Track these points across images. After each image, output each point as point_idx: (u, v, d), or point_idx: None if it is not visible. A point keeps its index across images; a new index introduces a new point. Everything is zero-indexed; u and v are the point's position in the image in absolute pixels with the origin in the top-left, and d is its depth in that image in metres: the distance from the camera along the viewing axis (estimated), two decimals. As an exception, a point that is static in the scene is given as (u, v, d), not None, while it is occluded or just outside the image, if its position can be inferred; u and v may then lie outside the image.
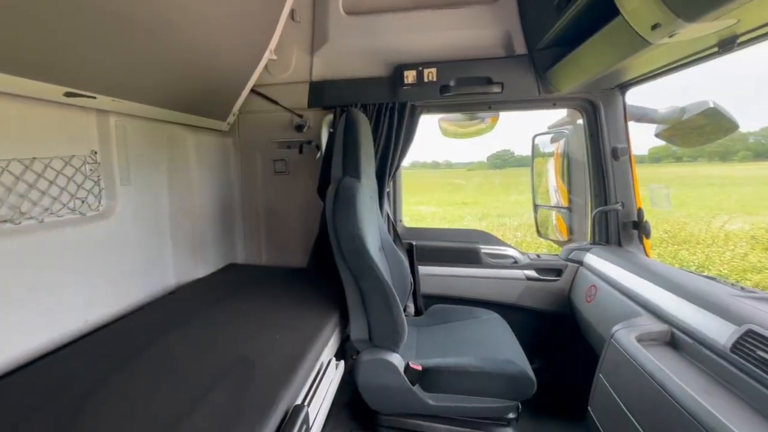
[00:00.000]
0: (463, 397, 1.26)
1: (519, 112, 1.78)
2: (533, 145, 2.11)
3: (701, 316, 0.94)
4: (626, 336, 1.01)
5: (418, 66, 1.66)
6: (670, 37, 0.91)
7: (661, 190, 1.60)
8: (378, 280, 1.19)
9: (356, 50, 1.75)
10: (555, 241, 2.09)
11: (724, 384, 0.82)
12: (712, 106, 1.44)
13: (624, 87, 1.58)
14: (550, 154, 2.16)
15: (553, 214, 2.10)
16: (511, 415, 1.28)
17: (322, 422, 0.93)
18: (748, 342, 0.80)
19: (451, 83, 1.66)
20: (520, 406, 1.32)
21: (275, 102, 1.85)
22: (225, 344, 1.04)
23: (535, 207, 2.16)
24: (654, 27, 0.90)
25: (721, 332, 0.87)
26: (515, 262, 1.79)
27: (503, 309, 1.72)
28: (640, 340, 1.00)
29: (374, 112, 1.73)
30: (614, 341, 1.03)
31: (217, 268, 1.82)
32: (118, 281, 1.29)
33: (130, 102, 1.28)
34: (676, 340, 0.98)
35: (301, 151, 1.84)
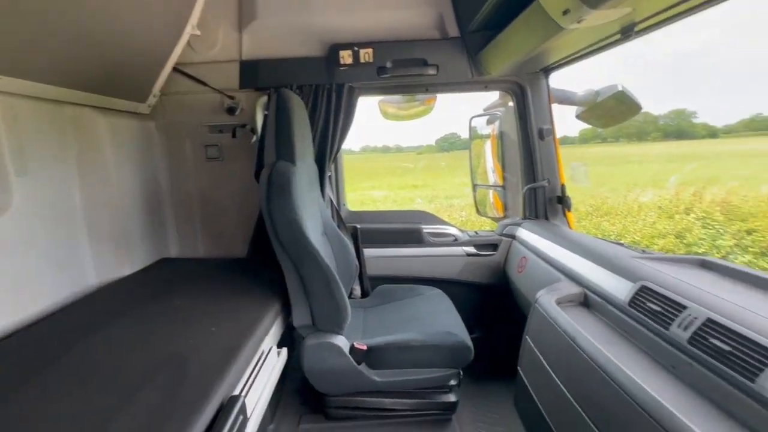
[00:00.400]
0: (408, 371, 1.32)
1: (456, 94, 1.83)
2: (470, 127, 2.19)
3: (607, 277, 1.06)
4: (547, 300, 1.11)
5: (354, 46, 1.63)
6: (579, 22, 0.98)
7: (580, 168, 1.76)
8: (318, 266, 1.18)
9: (289, 28, 1.66)
10: (493, 218, 2.21)
11: (624, 334, 0.94)
12: (620, 89, 1.59)
13: (547, 71, 1.69)
14: (487, 136, 2.27)
15: (491, 192, 2.22)
16: (452, 382, 1.37)
17: (263, 411, 0.92)
18: (642, 297, 0.92)
19: (388, 65, 1.66)
20: (461, 373, 1.41)
21: (202, 82, 1.72)
22: (155, 343, 0.98)
23: (474, 187, 2.26)
24: (565, 12, 0.97)
25: (621, 290, 0.98)
26: (455, 239, 1.87)
27: (445, 285, 1.80)
28: (559, 302, 1.11)
29: (311, 94, 1.68)
30: (537, 305, 1.13)
31: (147, 264, 1.69)
32: (20, 285, 1.14)
33: (21, 80, 1.11)
34: (589, 300, 1.10)
35: (234, 135, 1.74)
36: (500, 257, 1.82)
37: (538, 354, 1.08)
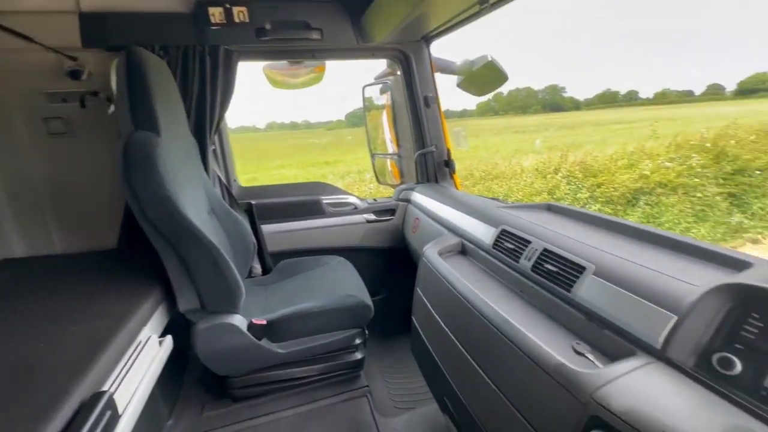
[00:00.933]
0: (312, 338, 1.34)
1: (344, 61, 1.81)
2: (363, 96, 2.20)
3: (478, 226, 1.21)
4: (431, 252, 1.22)
5: (225, 2, 1.47)
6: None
7: (460, 133, 1.92)
8: (201, 245, 1.10)
9: (141, -25, 1.42)
10: (392, 185, 2.31)
11: (490, 272, 1.09)
12: (489, 59, 1.75)
13: (428, 39, 1.77)
14: (383, 106, 2.31)
15: (389, 161, 2.30)
16: (357, 341, 1.43)
17: (141, 405, 0.85)
18: (502, 238, 1.07)
19: (267, 26, 1.54)
20: (366, 332, 1.49)
21: (28, 38, 1.38)
22: None
23: (372, 156, 2.32)
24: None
25: (487, 235, 1.13)
26: (355, 208, 1.91)
27: (349, 252, 1.85)
28: (441, 253, 1.23)
29: (180, 57, 1.48)
30: (423, 258, 1.24)
31: None
32: None
33: None
34: (465, 248, 1.24)
35: (83, 105, 1.45)
36: (398, 221, 1.93)
37: (426, 302, 1.19)
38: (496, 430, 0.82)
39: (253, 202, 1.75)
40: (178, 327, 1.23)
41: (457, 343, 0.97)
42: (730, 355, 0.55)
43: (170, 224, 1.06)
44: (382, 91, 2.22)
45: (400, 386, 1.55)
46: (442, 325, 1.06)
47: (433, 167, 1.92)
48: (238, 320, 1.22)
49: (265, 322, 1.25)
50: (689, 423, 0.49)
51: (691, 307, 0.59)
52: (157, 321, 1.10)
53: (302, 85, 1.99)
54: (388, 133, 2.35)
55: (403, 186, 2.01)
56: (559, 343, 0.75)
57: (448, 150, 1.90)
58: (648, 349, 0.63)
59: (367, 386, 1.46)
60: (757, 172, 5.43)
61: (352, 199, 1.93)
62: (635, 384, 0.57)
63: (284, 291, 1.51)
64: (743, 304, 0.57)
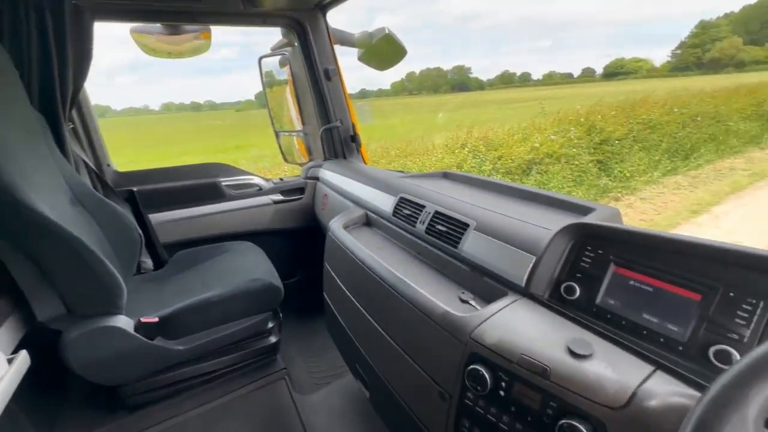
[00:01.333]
0: (217, 329, 1.25)
1: (230, 27, 1.64)
2: (261, 69, 2.05)
3: (379, 196, 1.23)
4: (336, 226, 1.21)
5: (64, -55, 1.21)
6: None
7: (364, 107, 1.93)
8: (58, 239, 0.92)
9: None
10: (301, 164, 2.23)
11: (391, 240, 1.12)
12: (387, 32, 1.75)
13: (322, 7, 1.69)
14: (286, 82, 2.18)
15: (295, 139, 2.21)
16: (270, 325, 1.38)
17: None
18: (400, 206, 1.10)
19: (126, -21, 1.31)
20: (280, 314, 1.44)
21: None
22: None
23: (277, 135, 2.19)
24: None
25: (388, 204, 1.16)
26: (260, 189, 1.80)
27: (257, 236, 1.75)
28: (346, 226, 1.23)
29: (11, 16, 1.18)
30: (329, 233, 1.23)
31: None
32: None
33: None
34: (369, 219, 1.26)
35: None
36: (308, 200, 1.88)
37: (334, 275, 1.19)
38: (397, 381, 0.87)
39: (134, 189, 1.53)
40: (46, 339, 1.04)
41: (362, 310, 0.99)
42: (572, 283, 0.65)
43: (11, 219, 0.87)
44: (282, 64, 2.09)
45: (318, 363, 1.55)
46: (349, 295, 1.08)
47: (339, 143, 1.90)
48: (122, 321, 1.08)
49: (156, 320, 1.12)
50: (540, 343, 0.58)
51: (545, 247, 0.68)
52: (4, 337, 0.91)
53: (186, 53, 1.76)
54: (292, 109, 2.24)
55: (310, 163, 1.95)
56: (447, 294, 0.81)
57: (354, 125, 1.89)
58: (516, 288, 0.71)
59: (285, 368, 1.43)
60: (617, 141, 6.55)
61: (256, 180, 1.82)
62: (503, 319, 0.65)
63: (181, 284, 1.37)
64: (581, 240, 0.67)
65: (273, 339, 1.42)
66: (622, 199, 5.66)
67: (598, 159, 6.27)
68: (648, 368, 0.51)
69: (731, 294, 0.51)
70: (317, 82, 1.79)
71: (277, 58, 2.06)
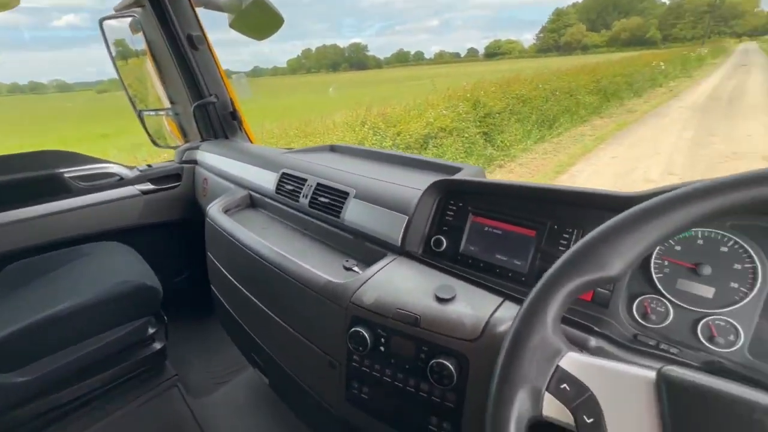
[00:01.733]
0: (78, 346, 1.05)
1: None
2: (104, 35, 1.69)
3: (262, 173, 1.15)
4: (215, 211, 1.10)
5: None
6: None
7: (240, 79, 1.76)
8: None
9: None
10: (175, 148, 1.96)
11: (275, 218, 1.07)
12: (257, -4, 1.60)
13: (174, -39, 1.46)
14: (144, 52, 1.85)
15: (165, 118, 1.92)
16: (151, 330, 1.22)
17: None
18: (283, 182, 1.04)
19: None
20: (165, 317, 1.28)
21: None
22: None
23: (140, 115, 1.87)
24: None
25: (270, 181, 1.09)
26: (121, 179, 1.53)
27: (126, 234, 1.50)
28: (227, 210, 1.12)
29: None
30: (208, 219, 1.11)
31: None
32: None
33: None
34: (253, 199, 1.18)
35: None
36: (186, 187, 1.67)
37: (219, 265, 1.09)
38: (291, 360, 0.85)
39: None
40: None
41: (250, 296, 0.93)
42: (440, 237, 0.70)
43: None
44: (134, 30, 1.76)
45: (216, 361, 1.44)
46: (236, 283, 1.00)
47: (218, 121, 1.71)
48: None
49: None
50: (413, 295, 0.61)
51: (415, 206, 0.72)
52: None
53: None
54: (158, 84, 1.93)
55: (185, 146, 1.73)
56: (332, 264, 0.81)
57: (232, 100, 1.71)
58: (393, 249, 0.74)
59: (176, 375, 1.29)
60: (497, 114, 7.35)
61: (114, 168, 1.53)
62: (381, 279, 0.66)
63: (15, 303, 1.10)
64: (445, 196, 0.72)
65: (158, 345, 1.25)
66: (505, 166, 6.42)
67: (484, 131, 6.95)
68: (498, 300, 0.57)
69: (556, 227, 0.59)
70: (179, 50, 1.56)
71: (127, 21, 1.73)
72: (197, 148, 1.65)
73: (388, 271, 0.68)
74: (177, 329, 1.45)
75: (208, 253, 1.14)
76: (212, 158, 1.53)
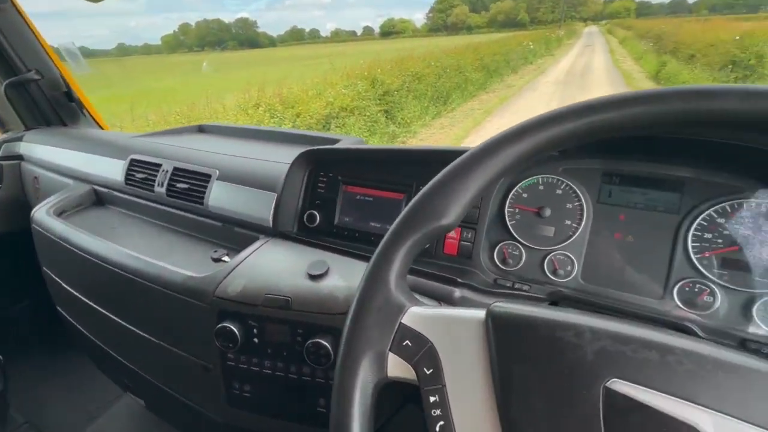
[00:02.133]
0: None
1: None
2: None
3: (108, 164, 0.95)
4: (42, 215, 0.87)
5: None
6: None
7: (71, 49, 1.42)
8: None
9: None
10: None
11: (127, 214, 0.90)
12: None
13: None
14: None
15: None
16: None
17: None
18: (132, 170, 0.87)
19: None
20: (0, 357, 1.00)
21: None
22: None
23: None
24: None
25: (118, 171, 0.90)
26: None
27: None
28: (61, 212, 0.90)
29: None
30: (34, 226, 0.88)
31: None
32: None
33: None
34: (99, 195, 0.97)
35: None
36: (10, 189, 1.31)
37: (60, 281, 0.88)
38: (163, 374, 0.73)
39: None
40: None
41: (104, 311, 0.77)
42: (313, 211, 0.65)
43: None
44: None
45: (81, 397, 1.19)
46: (84, 299, 0.82)
47: (47, 104, 1.36)
48: None
49: None
50: (283, 276, 0.55)
51: (284, 182, 0.65)
52: None
53: None
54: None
55: (2, 137, 1.35)
56: (198, 258, 0.70)
57: (65, 78, 1.37)
58: (265, 231, 0.67)
59: (26, 422, 1.04)
60: (396, 92, 7.51)
61: None
62: (249, 266, 0.59)
63: None
64: (315, 168, 0.67)
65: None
66: (408, 142, 6.65)
67: (384, 109, 7.06)
68: None
69: (421, 187, 0.59)
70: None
71: None
72: (20, 139, 1.30)
73: (258, 256, 0.61)
74: (22, 370, 1.16)
75: (45, 269, 0.92)
76: (43, 151, 1.22)
